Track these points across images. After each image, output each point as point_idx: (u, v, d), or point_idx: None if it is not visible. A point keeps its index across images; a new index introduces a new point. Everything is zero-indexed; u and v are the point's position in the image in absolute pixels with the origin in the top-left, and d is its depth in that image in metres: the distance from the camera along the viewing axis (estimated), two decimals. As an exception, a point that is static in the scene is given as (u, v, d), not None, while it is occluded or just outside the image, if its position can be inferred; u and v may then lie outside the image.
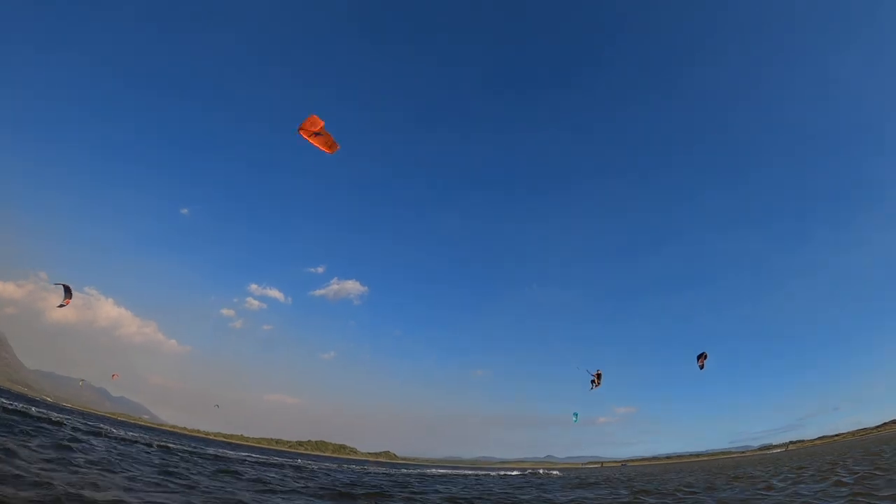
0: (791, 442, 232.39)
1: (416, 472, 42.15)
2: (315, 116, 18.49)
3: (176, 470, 15.35)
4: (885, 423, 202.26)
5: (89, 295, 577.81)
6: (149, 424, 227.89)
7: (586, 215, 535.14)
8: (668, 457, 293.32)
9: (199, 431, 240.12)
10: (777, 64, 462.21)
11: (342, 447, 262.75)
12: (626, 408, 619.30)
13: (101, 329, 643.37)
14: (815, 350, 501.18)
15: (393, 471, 40.18)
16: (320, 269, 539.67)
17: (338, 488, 16.20)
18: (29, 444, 13.88)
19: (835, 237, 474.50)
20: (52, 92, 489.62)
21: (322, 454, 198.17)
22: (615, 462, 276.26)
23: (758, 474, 25.34)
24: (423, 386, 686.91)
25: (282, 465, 29.36)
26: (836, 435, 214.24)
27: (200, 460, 22.50)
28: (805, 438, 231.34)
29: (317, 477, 22.48)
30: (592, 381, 30.81)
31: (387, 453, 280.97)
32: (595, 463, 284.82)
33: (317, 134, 18.64)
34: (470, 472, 51.43)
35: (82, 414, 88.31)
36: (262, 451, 77.96)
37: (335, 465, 40.73)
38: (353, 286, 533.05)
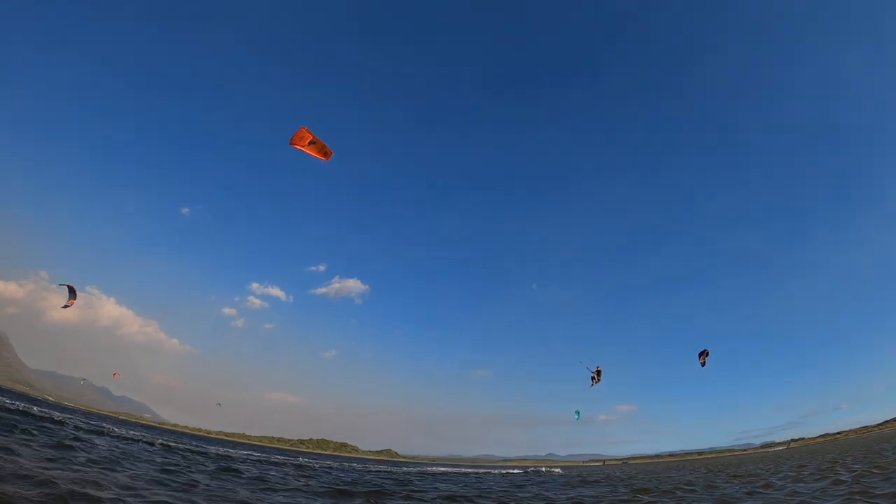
0: (793, 440, 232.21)
1: (416, 470, 42.26)
2: (305, 129, 18.73)
3: (178, 468, 15.44)
4: (886, 421, 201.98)
5: (91, 294, 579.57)
6: (151, 423, 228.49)
7: (586, 215, 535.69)
8: (671, 455, 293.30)
9: (200, 430, 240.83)
10: (777, 64, 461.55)
11: (343, 446, 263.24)
12: (626, 406, 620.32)
13: (102, 328, 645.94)
14: (816, 350, 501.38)
15: (394, 469, 40.28)
16: (321, 268, 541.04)
17: (339, 486, 16.28)
18: (31, 444, 13.97)
19: (835, 237, 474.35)
20: (53, 92, 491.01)
21: (323, 453, 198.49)
22: (616, 460, 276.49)
23: (758, 472, 25.38)
24: (424, 385, 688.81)
25: (283, 464, 29.46)
26: (838, 433, 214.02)
27: (202, 459, 22.60)
28: (807, 436, 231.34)
29: (318, 475, 22.57)
30: (592, 378, 31.09)
31: (388, 452, 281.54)
32: (597, 461, 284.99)
33: (310, 143, 18.86)
34: (471, 471, 51.52)
35: (84, 413, 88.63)
36: (263, 449, 78.16)
37: (336, 464, 40.84)
38: (354, 284, 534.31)
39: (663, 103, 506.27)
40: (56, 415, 34.24)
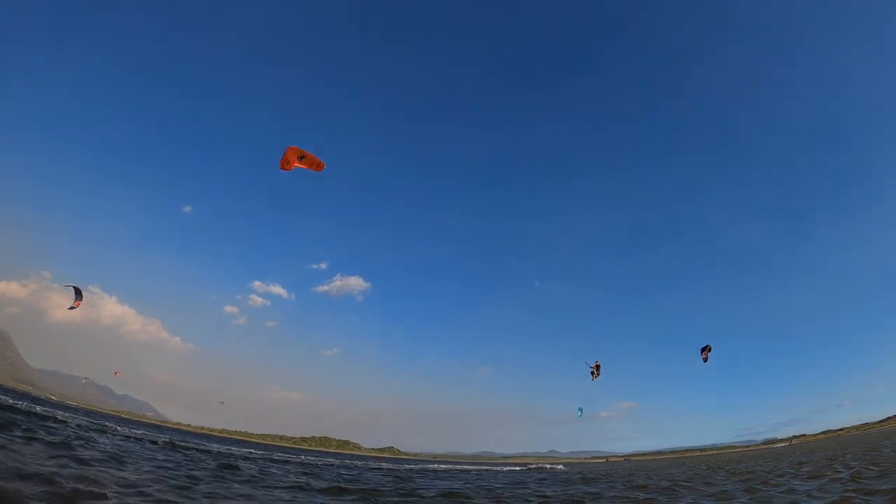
0: (794, 437, 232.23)
1: (419, 467, 42.44)
2: (291, 148, 18.83)
3: (180, 466, 15.57)
4: (888, 418, 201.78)
5: (93, 293, 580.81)
6: (154, 422, 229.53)
7: (586, 213, 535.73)
8: (672, 451, 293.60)
9: (203, 428, 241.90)
10: (777, 63, 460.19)
11: (345, 443, 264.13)
12: (628, 403, 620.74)
13: (104, 327, 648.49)
14: (816, 350, 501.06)
15: (396, 466, 40.45)
16: (323, 266, 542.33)
17: (340, 484, 16.39)
18: (35, 443, 14.10)
19: (835, 237, 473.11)
20: (53, 91, 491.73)
21: (325, 450, 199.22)
22: (619, 457, 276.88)
23: (758, 469, 25.46)
24: (426, 382, 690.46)
25: (285, 461, 29.63)
26: (840, 430, 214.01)
27: (205, 456, 22.75)
28: (808, 433, 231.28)
29: (319, 472, 22.71)
30: (592, 373, 31.39)
31: (390, 449, 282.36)
32: (600, 458, 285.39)
33: (301, 158, 18.94)
34: (473, 468, 51.68)
35: (87, 412, 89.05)
36: (265, 447, 78.48)
37: (338, 461, 41.04)
38: (356, 282, 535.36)
39: (663, 103, 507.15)
40: (59, 414, 34.47)
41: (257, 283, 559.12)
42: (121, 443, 21.60)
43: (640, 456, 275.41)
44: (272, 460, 29.28)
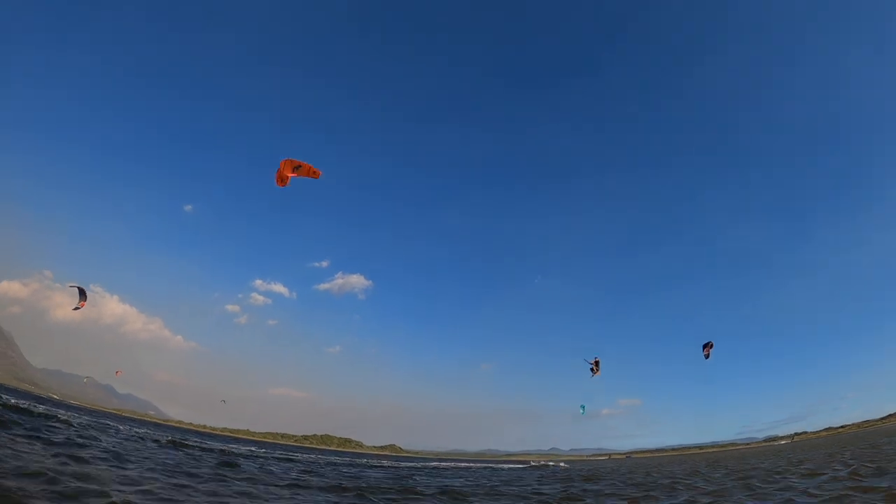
0: (796, 434, 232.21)
1: (420, 465, 42.55)
2: (285, 161, 18.73)
3: (182, 464, 15.65)
4: (889, 415, 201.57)
5: (94, 292, 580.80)
6: (156, 420, 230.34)
7: (586, 213, 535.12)
8: (674, 448, 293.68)
9: (205, 427, 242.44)
10: (777, 63, 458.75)
11: (347, 441, 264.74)
12: (630, 400, 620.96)
13: (106, 326, 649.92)
14: (816, 349, 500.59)
15: (396, 464, 40.57)
16: (324, 264, 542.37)
17: (341, 482, 16.47)
18: (37, 442, 14.19)
19: (835, 237, 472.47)
20: (53, 91, 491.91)
21: (327, 448, 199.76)
22: (621, 454, 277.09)
23: (759, 466, 25.50)
24: (428, 380, 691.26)
25: (287, 459, 29.74)
26: (841, 427, 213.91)
27: (206, 455, 22.83)
28: (809, 430, 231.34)
29: (321, 470, 22.79)
30: (592, 369, 31.76)
31: (392, 447, 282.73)
32: (602, 455, 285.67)
33: (296, 168, 18.83)
34: (476, 465, 51.80)
35: (89, 411, 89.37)
36: (267, 445, 78.71)
37: (339, 459, 41.17)
38: (357, 280, 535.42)
39: (663, 103, 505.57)
40: (61, 413, 34.59)
41: (258, 282, 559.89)
42: (123, 441, 21.69)
43: (641, 453, 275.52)
44: (273, 458, 29.39)
